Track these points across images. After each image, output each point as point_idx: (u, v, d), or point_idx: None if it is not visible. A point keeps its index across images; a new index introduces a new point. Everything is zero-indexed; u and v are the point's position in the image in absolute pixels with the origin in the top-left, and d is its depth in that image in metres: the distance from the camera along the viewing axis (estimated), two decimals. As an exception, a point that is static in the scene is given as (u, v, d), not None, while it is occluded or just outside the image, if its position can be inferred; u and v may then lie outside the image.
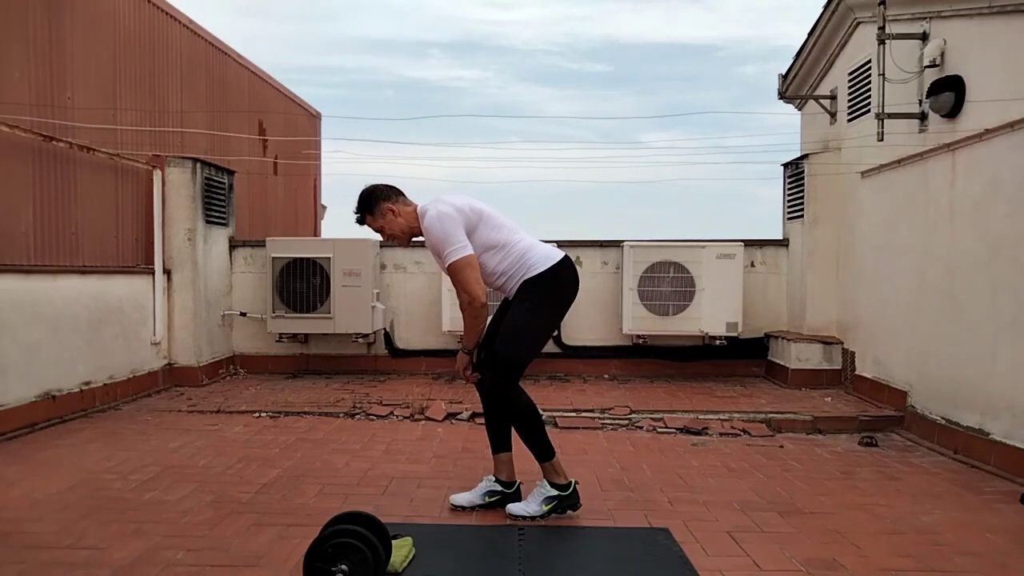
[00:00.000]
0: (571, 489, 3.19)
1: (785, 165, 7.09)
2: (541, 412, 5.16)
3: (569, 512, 3.19)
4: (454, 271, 3.03)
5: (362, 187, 3.25)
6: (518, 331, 3.11)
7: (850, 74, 6.15)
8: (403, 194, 3.26)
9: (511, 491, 3.28)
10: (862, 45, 5.90)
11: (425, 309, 6.92)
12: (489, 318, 3.28)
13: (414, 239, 3.27)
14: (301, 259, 6.45)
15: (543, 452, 3.17)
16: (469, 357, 3.26)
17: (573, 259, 3.26)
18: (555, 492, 3.16)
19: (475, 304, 3.04)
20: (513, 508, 3.20)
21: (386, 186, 3.23)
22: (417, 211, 3.19)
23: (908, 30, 5.15)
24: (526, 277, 3.11)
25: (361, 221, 3.24)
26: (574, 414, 5.18)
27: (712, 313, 6.38)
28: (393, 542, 2.62)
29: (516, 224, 3.23)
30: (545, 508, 3.15)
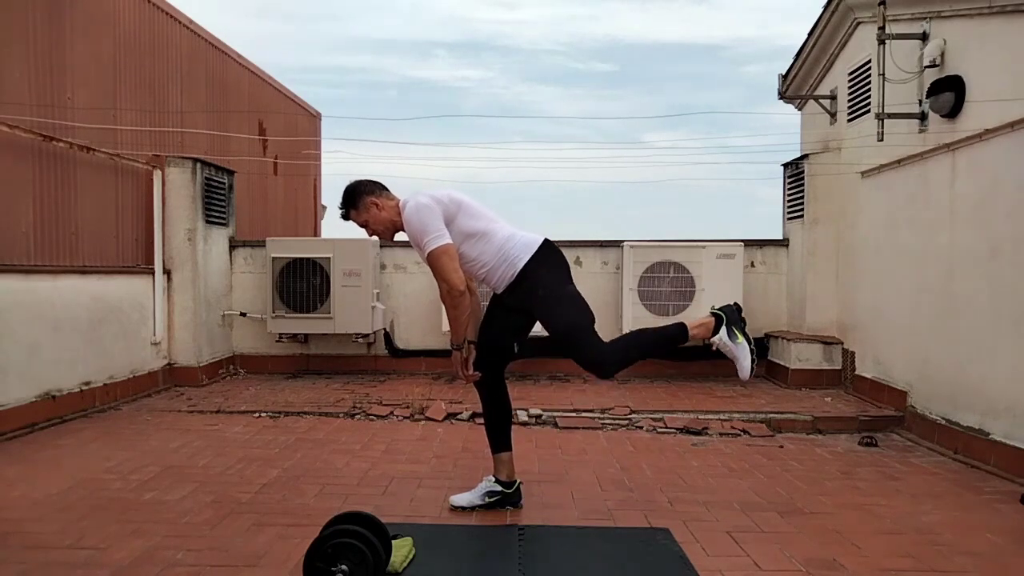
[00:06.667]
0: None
1: (785, 165, 7.09)
2: (542, 412, 5.16)
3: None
4: (432, 259, 3.05)
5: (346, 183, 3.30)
6: (562, 310, 3.06)
7: (850, 74, 6.15)
8: (387, 189, 3.29)
9: (511, 491, 3.29)
10: (862, 45, 5.90)
11: (425, 309, 6.92)
12: (481, 318, 3.28)
13: (398, 233, 3.29)
14: (301, 259, 6.45)
15: (677, 338, 3.15)
16: (460, 353, 3.25)
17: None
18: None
19: (454, 292, 3.03)
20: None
21: (369, 181, 3.27)
22: (399, 205, 3.21)
23: (908, 30, 5.15)
24: (514, 273, 3.08)
25: (346, 216, 3.28)
26: (574, 414, 5.18)
27: (712, 313, 6.38)
28: (393, 542, 2.62)
29: (496, 215, 3.24)
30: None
